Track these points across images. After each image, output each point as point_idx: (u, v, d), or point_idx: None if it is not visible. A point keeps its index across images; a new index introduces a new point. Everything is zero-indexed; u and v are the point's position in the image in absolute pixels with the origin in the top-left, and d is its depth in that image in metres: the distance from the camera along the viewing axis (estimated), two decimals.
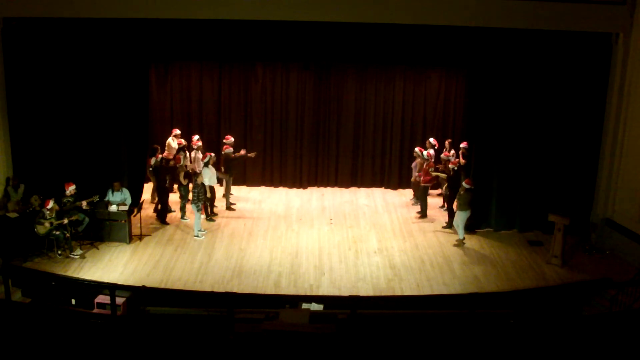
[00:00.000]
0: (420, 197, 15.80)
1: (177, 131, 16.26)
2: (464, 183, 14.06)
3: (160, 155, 15.00)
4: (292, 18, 13.30)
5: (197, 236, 14.15)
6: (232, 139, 16.10)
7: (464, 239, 14.15)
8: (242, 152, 15.96)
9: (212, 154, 15.21)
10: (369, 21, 13.46)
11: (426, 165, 15.49)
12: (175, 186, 15.77)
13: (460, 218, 14.05)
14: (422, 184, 15.54)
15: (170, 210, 15.07)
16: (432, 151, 16.13)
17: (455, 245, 14.09)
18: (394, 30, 13.69)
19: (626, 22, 13.41)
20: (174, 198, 15.60)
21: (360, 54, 14.50)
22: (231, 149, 15.75)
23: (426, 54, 14.37)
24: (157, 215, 14.96)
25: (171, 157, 15.54)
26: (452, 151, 16.13)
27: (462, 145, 15.79)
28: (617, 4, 13.31)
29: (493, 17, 13.28)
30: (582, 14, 13.22)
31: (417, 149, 16.18)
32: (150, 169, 14.85)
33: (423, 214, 15.68)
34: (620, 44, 13.65)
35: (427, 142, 16.45)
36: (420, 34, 13.77)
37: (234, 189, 16.88)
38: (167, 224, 14.71)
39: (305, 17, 13.28)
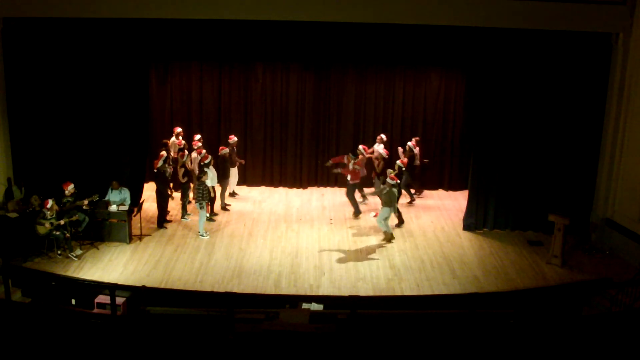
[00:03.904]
0: (351, 195, 15.57)
1: (179, 129, 16.27)
2: (388, 179, 13.95)
3: (165, 155, 14.91)
4: (292, 18, 13.30)
5: (202, 235, 14.13)
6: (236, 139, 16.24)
7: (391, 233, 14.08)
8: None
9: (207, 155, 15.21)
10: (369, 21, 13.46)
11: (354, 162, 15.25)
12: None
13: (383, 214, 13.98)
14: (352, 182, 15.33)
15: (166, 219, 14.92)
16: (382, 147, 16.02)
17: (383, 241, 14.02)
18: (394, 30, 13.69)
19: (626, 22, 13.41)
20: (173, 203, 15.64)
21: (360, 54, 14.51)
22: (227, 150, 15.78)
23: (426, 54, 14.37)
24: (158, 219, 14.89)
25: (176, 156, 15.53)
26: (417, 149, 16.23)
27: (409, 143, 15.90)
28: (617, 4, 13.31)
29: (493, 17, 13.28)
30: (582, 14, 13.22)
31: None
32: (155, 170, 14.74)
33: (356, 212, 15.55)
34: (620, 44, 13.65)
35: (378, 137, 16.31)
36: (420, 34, 13.76)
37: (236, 189, 16.92)
38: (165, 227, 14.68)
39: (305, 17, 13.28)
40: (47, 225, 12.79)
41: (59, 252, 13.07)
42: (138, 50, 14.02)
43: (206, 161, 15.02)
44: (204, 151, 15.19)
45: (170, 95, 17.32)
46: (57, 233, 12.90)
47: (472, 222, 14.92)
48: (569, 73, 13.98)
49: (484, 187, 14.74)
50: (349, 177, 15.36)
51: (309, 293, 11.99)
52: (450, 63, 16.03)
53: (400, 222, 15.03)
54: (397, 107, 17.31)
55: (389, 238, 14.10)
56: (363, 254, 13.63)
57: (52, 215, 12.89)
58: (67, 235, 13.02)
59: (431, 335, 9.79)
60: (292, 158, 17.48)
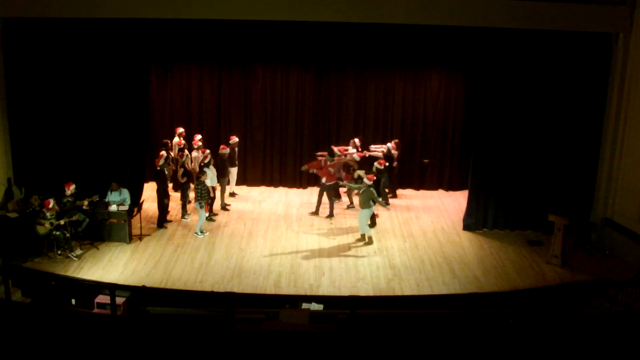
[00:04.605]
0: (329, 196, 15.59)
1: (181, 129, 16.30)
2: (365, 179, 13.99)
3: (165, 154, 14.93)
4: (292, 18, 13.30)
5: (197, 233, 14.15)
6: (237, 139, 16.30)
7: (371, 236, 14.11)
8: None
9: (209, 154, 15.24)
10: (369, 21, 13.46)
11: (330, 163, 15.27)
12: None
13: (364, 216, 14.02)
14: (327, 183, 15.32)
15: (166, 219, 14.91)
16: (354, 151, 16.10)
17: (364, 243, 14.03)
18: (394, 30, 13.69)
19: (626, 22, 13.40)
20: (173, 203, 15.63)
21: (360, 54, 14.51)
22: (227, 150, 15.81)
23: (426, 54, 14.38)
24: (159, 219, 14.87)
25: (177, 157, 15.56)
26: (396, 151, 16.27)
27: (388, 145, 16.08)
28: (617, 4, 13.31)
29: (493, 17, 13.28)
30: (582, 14, 13.22)
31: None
32: (158, 168, 14.75)
33: (330, 212, 15.59)
34: (620, 44, 13.65)
35: (351, 141, 16.36)
36: (420, 34, 13.77)
37: (236, 189, 16.95)
38: (165, 227, 14.68)
39: (305, 17, 13.28)
40: (47, 225, 12.79)
41: (59, 252, 13.07)
42: (138, 50, 14.01)
43: (206, 161, 15.03)
44: (208, 151, 15.18)
45: (171, 95, 17.34)
46: (57, 233, 12.90)
47: (472, 222, 14.92)
48: (569, 73, 13.97)
49: (484, 187, 14.74)
50: (323, 179, 15.39)
51: (309, 293, 11.99)
52: (450, 63, 16.06)
53: (372, 224, 14.89)
54: (397, 107, 17.31)
55: (366, 240, 14.10)
56: (363, 254, 13.63)
57: (52, 215, 12.89)
58: (67, 235, 13.02)
59: (431, 335, 9.79)
60: (292, 158, 17.48)
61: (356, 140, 16.39)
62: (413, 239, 14.48)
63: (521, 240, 14.50)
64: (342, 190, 16.47)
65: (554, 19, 13.22)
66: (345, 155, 15.93)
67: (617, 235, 13.79)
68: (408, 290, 12.19)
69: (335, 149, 15.85)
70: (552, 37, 13.72)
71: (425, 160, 17.43)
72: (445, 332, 10.02)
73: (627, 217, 13.62)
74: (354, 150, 16.12)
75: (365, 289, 12.20)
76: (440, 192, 17.71)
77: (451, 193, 17.59)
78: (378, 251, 13.79)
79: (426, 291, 12.17)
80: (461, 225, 15.06)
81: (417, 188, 17.73)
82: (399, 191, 17.51)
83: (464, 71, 16.83)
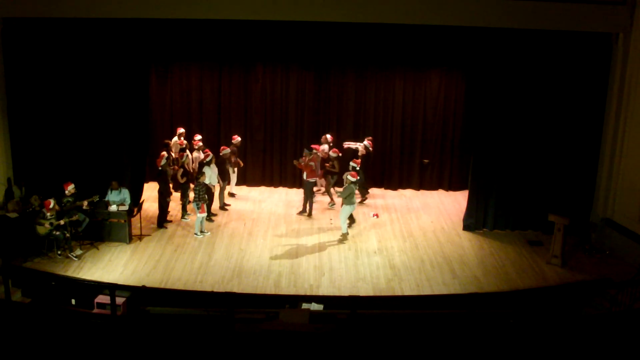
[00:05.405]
0: (308, 194, 15.63)
1: (181, 130, 16.31)
2: (349, 176, 14.07)
3: (166, 155, 14.93)
4: (292, 18, 13.30)
5: (197, 234, 14.16)
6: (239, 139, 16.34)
7: (347, 233, 14.19)
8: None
9: (211, 154, 15.25)
10: (369, 21, 13.46)
11: (309, 159, 15.33)
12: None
13: (345, 212, 14.12)
14: (308, 179, 15.39)
15: (166, 219, 14.90)
16: (326, 147, 16.18)
17: (340, 240, 14.11)
18: (394, 30, 13.70)
19: (626, 22, 13.41)
20: (173, 203, 15.62)
21: (360, 54, 14.53)
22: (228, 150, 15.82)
23: (426, 54, 14.39)
24: (158, 219, 14.86)
25: (178, 157, 15.57)
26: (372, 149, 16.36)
27: (365, 142, 16.12)
28: (617, 4, 13.31)
29: (493, 17, 13.28)
30: (582, 14, 13.22)
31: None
32: (160, 168, 14.72)
33: (309, 211, 15.60)
34: (620, 44, 13.65)
35: (322, 137, 16.47)
36: (420, 34, 13.77)
37: (236, 189, 16.96)
38: (165, 227, 14.67)
39: (305, 18, 13.28)
40: (47, 225, 12.79)
41: (59, 252, 13.07)
42: (138, 50, 14.01)
43: (207, 159, 15.02)
44: (211, 155, 15.14)
45: (171, 95, 17.35)
46: (57, 233, 12.90)
47: (472, 222, 14.92)
48: (569, 73, 13.97)
49: (484, 187, 14.74)
50: (305, 175, 15.42)
51: (309, 293, 11.99)
52: (450, 63, 16.06)
53: (351, 221, 14.94)
54: (397, 107, 17.30)
55: (343, 238, 14.17)
56: (363, 254, 13.63)
57: (52, 216, 12.89)
58: (67, 235, 13.02)
59: (431, 335, 9.79)
60: (292, 158, 17.44)
61: (328, 136, 16.46)
62: (413, 239, 14.48)
63: (521, 240, 14.50)
64: (315, 188, 16.45)
65: (554, 19, 13.22)
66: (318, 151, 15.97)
67: (617, 235, 13.78)
68: (408, 290, 12.19)
69: (313, 146, 15.89)
70: (552, 37, 13.72)
71: (425, 161, 17.42)
72: (445, 332, 10.02)
73: (627, 217, 13.62)
74: (326, 146, 16.15)
75: (365, 289, 12.20)
76: (440, 192, 17.71)
77: (451, 193, 17.59)
78: (378, 251, 13.80)
79: (426, 291, 12.17)
80: (461, 225, 15.06)
81: (417, 188, 17.73)
82: (400, 191, 17.54)
83: (464, 71, 16.83)
